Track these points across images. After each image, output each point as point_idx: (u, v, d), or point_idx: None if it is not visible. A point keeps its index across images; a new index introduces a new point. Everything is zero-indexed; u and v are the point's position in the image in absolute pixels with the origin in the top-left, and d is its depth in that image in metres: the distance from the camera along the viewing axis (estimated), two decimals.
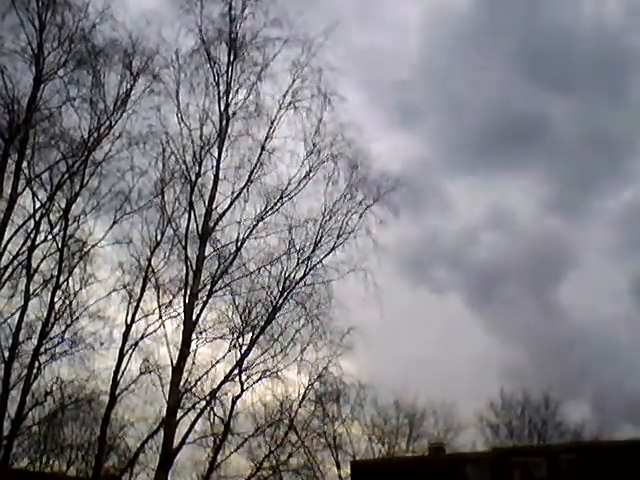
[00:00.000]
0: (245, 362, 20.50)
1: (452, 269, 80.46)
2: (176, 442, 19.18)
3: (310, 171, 21.20)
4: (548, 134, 78.25)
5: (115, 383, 20.73)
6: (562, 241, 79.23)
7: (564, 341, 67.56)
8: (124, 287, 21.19)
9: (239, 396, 20.46)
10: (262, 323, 20.71)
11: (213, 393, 20.02)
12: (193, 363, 20.03)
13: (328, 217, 21.20)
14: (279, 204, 21.00)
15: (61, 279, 20.08)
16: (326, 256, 21.19)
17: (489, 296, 77.04)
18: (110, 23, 20.08)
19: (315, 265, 21.12)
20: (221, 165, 21.02)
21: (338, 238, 21.14)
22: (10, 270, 19.39)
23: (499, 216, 79.80)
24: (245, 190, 20.94)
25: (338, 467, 41.06)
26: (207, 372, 20.23)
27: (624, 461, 35.49)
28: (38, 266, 19.93)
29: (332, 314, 21.02)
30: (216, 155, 21.02)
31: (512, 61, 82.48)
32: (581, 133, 79.19)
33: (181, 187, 21.11)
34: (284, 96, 21.22)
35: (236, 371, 20.32)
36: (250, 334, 20.66)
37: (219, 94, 21.21)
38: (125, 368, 20.93)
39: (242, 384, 20.42)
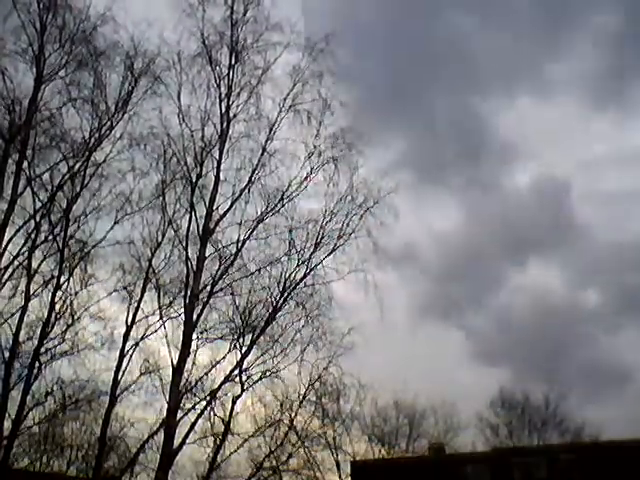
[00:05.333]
0: (245, 362, 20.56)
1: None
2: (176, 442, 19.18)
3: (311, 173, 21.25)
4: None
5: (115, 383, 20.85)
6: None
7: None
8: (125, 288, 21.31)
9: (239, 396, 20.54)
10: (262, 324, 20.75)
11: (213, 393, 20.07)
12: (193, 364, 20.09)
13: (328, 218, 21.25)
14: (280, 205, 21.04)
15: (62, 279, 20.08)
16: (326, 257, 21.21)
17: None
18: (111, 25, 20.13)
19: (315, 266, 21.13)
20: (222, 166, 21.03)
21: (338, 239, 21.17)
22: (10, 270, 19.38)
23: None
24: (246, 191, 20.98)
25: (338, 467, 41.16)
26: (207, 372, 20.33)
27: (624, 461, 35.56)
28: (38, 266, 19.94)
29: (332, 315, 21.11)
30: (217, 156, 21.03)
31: None
32: None
33: (182, 188, 21.18)
34: (285, 99, 21.28)
35: (236, 371, 20.36)
36: (250, 335, 20.69)
37: (220, 96, 21.24)
38: (125, 369, 21.11)
39: (242, 384, 20.47)
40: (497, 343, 72.18)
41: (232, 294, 20.96)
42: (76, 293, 20.46)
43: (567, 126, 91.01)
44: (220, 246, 21.00)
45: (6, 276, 19.26)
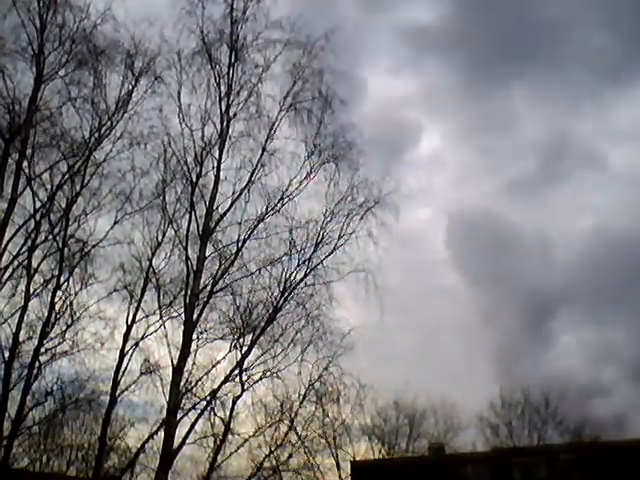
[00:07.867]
0: (245, 362, 20.48)
1: None
2: (176, 442, 19.12)
3: (311, 172, 21.17)
4: None
5: (115, 383, 20.85)
6: None
7: None
8: (125, 287, 21.30)
9: (239, 396, 20.44)
10: (263, 324, 20.68)
11: (213, 393, 20.01)
12: (193, 363, 20.01)
13: (329, 218, 21.18)
14: (280, 205, 20.95)
15: (62, 279, 20.04)
16: (327, 257, 21.15)
17: None
18: (111, 24, 20.03)
19: (316, 266, 21.06)
20: (222, 166, 20.92)
21: (339, 239, 21.09)
22: (10, 270, 19.36)
23: None
24: (246, 191, 20.88)
25: (338, 467, 41.09)
26: (207, 372, 20.23)
27: (624, 461, 35.56)
28: (38, 266, 19.92)
29: (332, 315, 21.07)
30: (217, 156, 20.93)
31: None
32: None
33: (182, 188, 21.10)
34: (285, 98, 21.19)
35: (236, 371, 20.29)
36: (251, 335, 20.62)
37: (220, 95, 21.16)
38: (125, 368, 21.10)
39: (242, 384, 20.40)
40: None
41: (232, 294, 20.92)
42: (76, 293, 20.51)
43: None
44: (220, 246, 20.94)
45: (6, 276, 19.26)
